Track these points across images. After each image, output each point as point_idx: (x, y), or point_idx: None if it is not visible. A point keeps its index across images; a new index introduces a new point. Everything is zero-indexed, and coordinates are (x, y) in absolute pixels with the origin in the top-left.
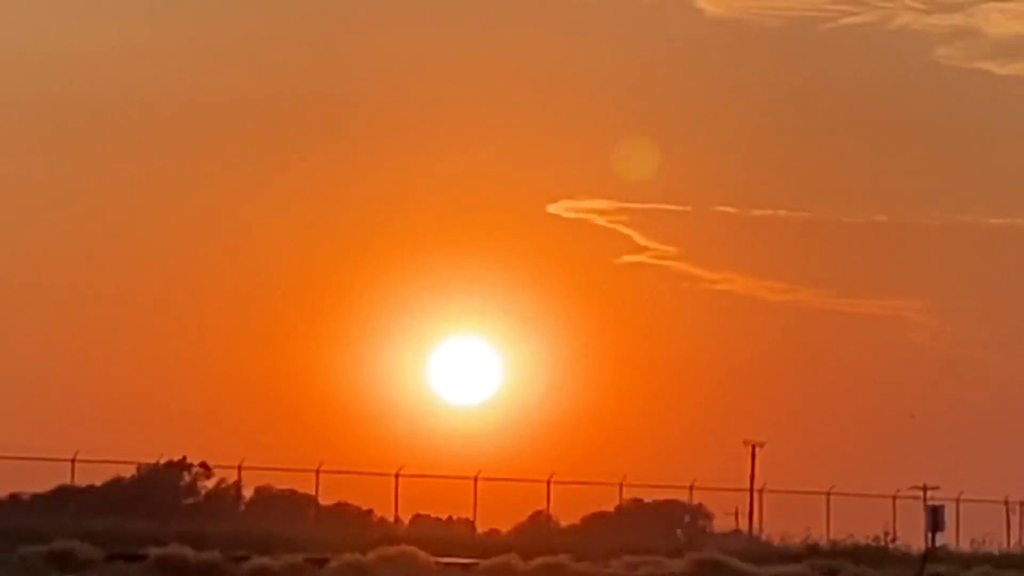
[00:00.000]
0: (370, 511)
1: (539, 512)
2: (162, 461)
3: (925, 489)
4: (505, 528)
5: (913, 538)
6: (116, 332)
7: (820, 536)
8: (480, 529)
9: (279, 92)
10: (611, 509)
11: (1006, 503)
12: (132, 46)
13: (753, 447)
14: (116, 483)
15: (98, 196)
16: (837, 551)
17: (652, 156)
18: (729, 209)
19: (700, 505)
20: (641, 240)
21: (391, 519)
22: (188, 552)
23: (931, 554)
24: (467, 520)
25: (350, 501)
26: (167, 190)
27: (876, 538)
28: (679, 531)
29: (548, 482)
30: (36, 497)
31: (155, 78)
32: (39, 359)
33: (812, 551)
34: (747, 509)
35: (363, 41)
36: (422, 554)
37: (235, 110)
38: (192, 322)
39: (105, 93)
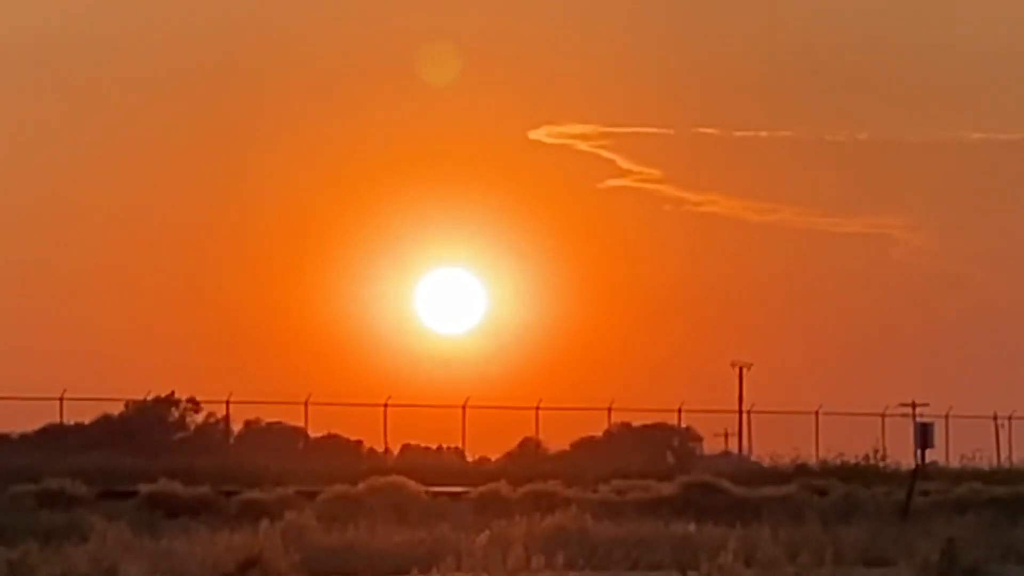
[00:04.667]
0: (359, 442)
1: (528, 439)
2: (150, 397)
3: (914, 406)
4: (494, 456)
5: (903, 455)
6: (102, 270)
7: (809, 456)
8: (469, 457)
9: (261, 29)
10: (599, 434)
11: (994, 418)
12: None
13: (740, 368)
14: (105, 420)
15: (94, 128)
16: (827, 470)
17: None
18: (711, 131)
19: (688, 428)
20: (624, 164)
21: (380, 449)
22: (178, 487)
23: (921, 471)
24: (456, 449)
25: (339, 432)
26: (153, 124)
27: (866, 456)
28: (668, 454)
29: (536, 409)
30: (24, 436)
31: (137, 12)
32: (26, 298)
33: (802, 471)
34: (736, 431)
35: None
36: (412, 484)
37: (221, 47)
38: (178, 258)
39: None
